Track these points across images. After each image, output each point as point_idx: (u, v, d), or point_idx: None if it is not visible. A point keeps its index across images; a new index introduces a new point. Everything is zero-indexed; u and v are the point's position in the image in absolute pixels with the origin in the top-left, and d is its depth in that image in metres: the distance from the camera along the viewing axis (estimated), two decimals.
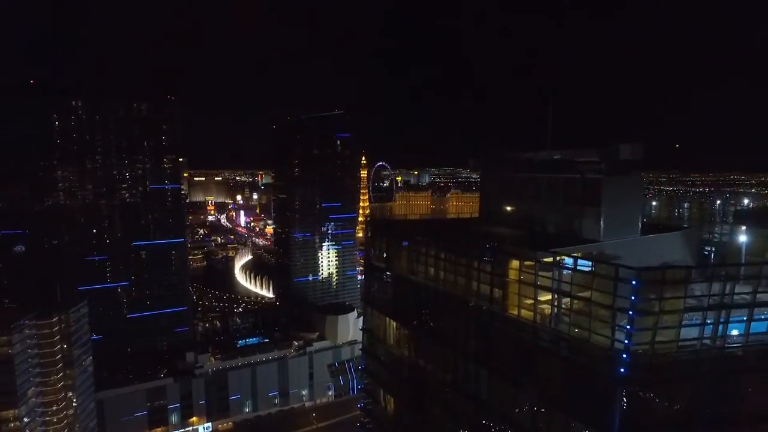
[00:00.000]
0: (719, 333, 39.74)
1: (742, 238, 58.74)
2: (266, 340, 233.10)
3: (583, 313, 41.52)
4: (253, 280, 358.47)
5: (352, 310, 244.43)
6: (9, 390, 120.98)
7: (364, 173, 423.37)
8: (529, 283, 46.17)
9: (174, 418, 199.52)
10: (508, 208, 64.43)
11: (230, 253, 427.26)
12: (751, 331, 40.17)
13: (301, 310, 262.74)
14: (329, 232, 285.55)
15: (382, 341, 71.06)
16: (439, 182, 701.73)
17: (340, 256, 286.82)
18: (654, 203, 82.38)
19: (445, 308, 57.69)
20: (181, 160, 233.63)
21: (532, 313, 46.09)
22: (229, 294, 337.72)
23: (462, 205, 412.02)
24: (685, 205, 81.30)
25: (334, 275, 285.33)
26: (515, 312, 47.87)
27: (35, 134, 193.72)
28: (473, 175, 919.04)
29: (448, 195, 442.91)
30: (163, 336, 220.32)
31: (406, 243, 63.13)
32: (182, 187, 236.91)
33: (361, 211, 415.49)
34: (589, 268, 41.51)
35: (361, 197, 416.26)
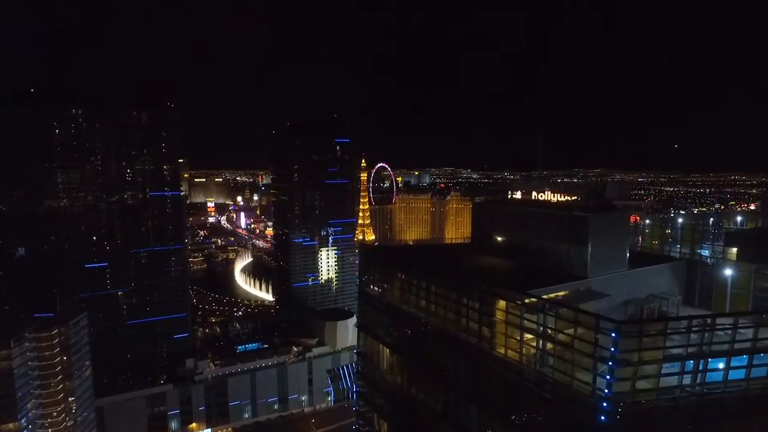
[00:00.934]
0: (698, 380, 40.80)
1: (728, 272, 59.79)
2: (266, 346, 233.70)
3: (566, 359, 42.58)
4: (253, 284, 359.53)
5: (351, 315, 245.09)
6: (9, 402, 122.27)
7: (363, 176, 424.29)
8: (515, 324, 47.22)
9: (174, 425, 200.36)
10: (500, 239, 65.46)
11: (230, 256, 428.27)
12: (729, 378, 41.25)
13: (300, 315, 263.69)
14: (329, 236, 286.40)
15: (376, 366, 72.12)
16: (439, 182, 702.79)
17: (340, 260, 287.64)
18: (647, 221, 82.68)
19: (436, 340, 58.77)
20: (181, 161, 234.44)
21: (517, 354, 47.14)
22: (229, 297, 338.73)
23: (462, 208, 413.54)
24: (679, 221, 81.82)
25: (333, 280, 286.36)
26: (502, 351, 48.92)
27: (35, 142, 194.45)
28: (473, 176, 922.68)
29: (448, 198, 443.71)
30: (163, 342, 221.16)
31: (398, 274, 64.13)
32: (183, 188, 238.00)
33: (361, 214, 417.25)
34: (572, 315, 42.50)
35: (361, 200, 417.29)
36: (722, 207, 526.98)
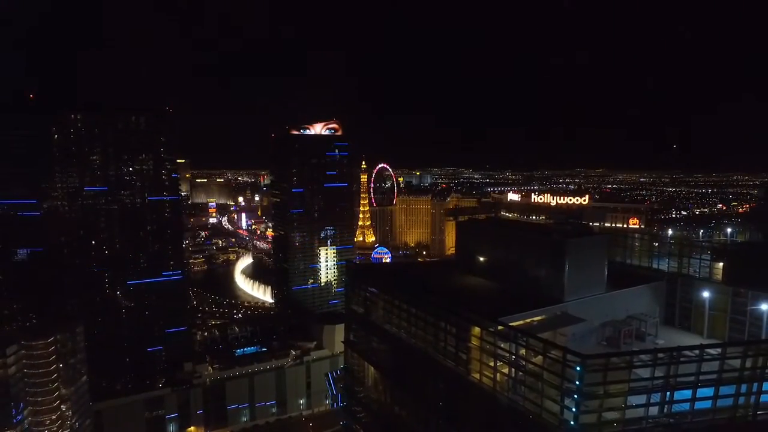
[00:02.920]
0: (665, 411, 41.42)
1: (706, 294, 60.32)
2: (264, 350, 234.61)
3: (535, 388, 43.26)
4: (253, 285, 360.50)
5: None
6: (5, 409, 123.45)
7: (364, 178, 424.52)
8: (488, 351, 47.91)
9: (172, 428, 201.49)
10: (482, 259, 66.11)
11: (231, 257, 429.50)
12: (696, 407, 41.86)
13: (299, 318, 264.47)
14: (328, 238, 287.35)
15: (361, 383, 72.86)
16: (441, 183, 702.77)
17: (339, 263, 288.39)
18: (636, 236, 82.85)
19: (417, 362, 59.42)
20: (182, 161, 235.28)
21: (491, 381, 47.82)
22: (229, 299, 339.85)
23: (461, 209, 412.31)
24: (669, 232, 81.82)
25: (333, 282, 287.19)
26: (477, 377, 49.60)
27: (34, 147, 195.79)
28: (475, 176, 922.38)
29: (448, 199, 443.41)
30: (162, 346, 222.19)
31: (381, 294, 64.81)
32: (184, 189, 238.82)
33: (361, 216, 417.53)
34: (541, 346, 43.12)
35: (362, 201, 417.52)
36: (724, 207, 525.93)
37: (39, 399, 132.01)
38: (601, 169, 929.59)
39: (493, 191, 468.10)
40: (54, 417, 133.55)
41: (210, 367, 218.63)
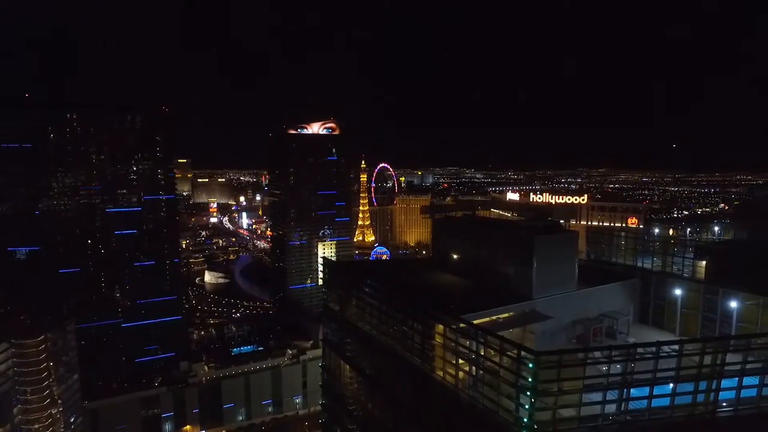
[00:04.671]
0: (622, 408, 41.14)
1: (678, 292, 59.97)
2: (261, 349, 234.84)
3: (493, 386, 43.04)
4: (252, 285, 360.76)
5: None
6: None
7: (363, 177, 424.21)
8: (451, 348, 47.73)
9: (167, 427, 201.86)
10: (456, 257, 65.94)
11: (231, 256, 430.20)
12: (653, 405, 41.57)
13: (296, 317, 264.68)
14: (325, 238, 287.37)
15: (337, 381, 72.79)
16: (442, 182, 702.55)
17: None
18: (623, 235, 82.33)
19: (386, 359, 59.34)
20: (183, 161, 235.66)
21: (453, 379, 47.64)
22: (228, 299, 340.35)
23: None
24: (656, 231, 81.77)
25: None
26: (441, 374, 49.43)
27: (30, 147, 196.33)
28: (477, 175, 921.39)
29: (448, 198, 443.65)
30: (158, 345, 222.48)
31: (354, 292, 64.75)
32: (186, 188, 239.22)
33: (361, 215, 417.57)
34: (498, 344, 42.88)
35: (361, 200, 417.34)
36: (726, 207, 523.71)
37: (29, 397, 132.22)
38: (604, 168, 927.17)
39: (493, 191, 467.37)
40: (45, 415, 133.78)
41: (206, 366, 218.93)
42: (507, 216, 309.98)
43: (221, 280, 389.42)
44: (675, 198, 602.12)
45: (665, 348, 40.96)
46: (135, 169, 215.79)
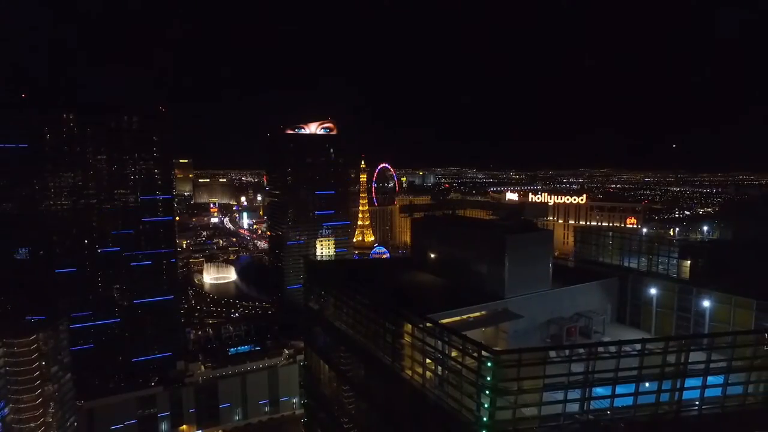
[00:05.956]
0: (583, 408, 40.98)
1: (653, 291, 59.81)
2: (257, 349, 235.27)
3: (456, 386, 42.96)
4: (251, 285, 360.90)
5: None
6: None
7: (363, 177, 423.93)
8: (418, 347, 47.69)
9: (164, 427, 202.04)
10: (433, 256, 65.93)
11: (231, 257, 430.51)
12: (616, 404, 41.40)
13: (294, 317, 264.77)
14: (323, 238, 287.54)
15: (317, 380, 72.83)
16: (443, 182, 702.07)
17: None
18: (610, 235, 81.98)
19: (361, 358, 59.37)
20: (185, 161, 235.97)
21: (420, 378, 47.59)
22: (227, 299, 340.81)
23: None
24: (644, 230, 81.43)
25: None
26: (409, 373, 49.39)
27: (26, 146, 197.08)
28: (479, 176, 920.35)
29: (449, 198, 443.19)
30: (154, 345, 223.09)
31: (332, 290, 64.78)
32: (187, 189, 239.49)
33: (360, 215, 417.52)
34: (460, 343, 42.80)
35: (361, 201, 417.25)
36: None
37: (21, 397, 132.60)
38: (606, 168, 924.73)
39: (493, 191, 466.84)
40: (37, 414, 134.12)
41: (202, 366, 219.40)
42: (483, 215, 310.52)
43: (221, 281, 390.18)
44: (677, 198, 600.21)
45: (626, 347, 40.82)
46: (132, 169, 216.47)
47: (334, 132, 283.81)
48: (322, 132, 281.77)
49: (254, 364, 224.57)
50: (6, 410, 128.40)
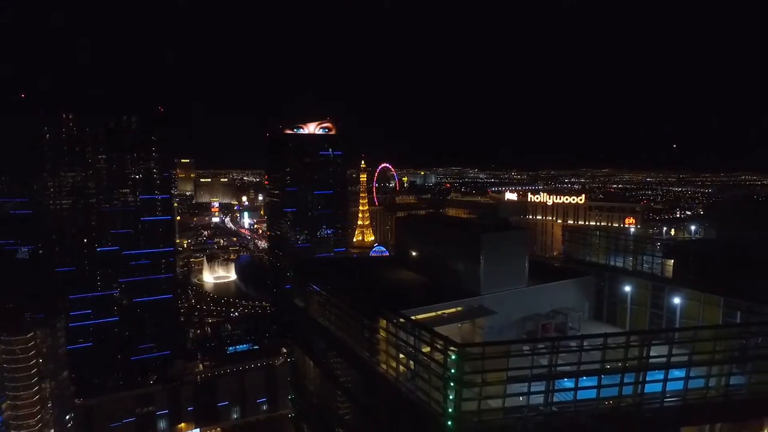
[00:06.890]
0: (547, 400, 42.28)
1: (627, 288, 61.06)
2: (256, 347, 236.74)
3: (425, 379, 44.33)
4: (251, 284, 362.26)
5: None
6: None
7: (363, 177, 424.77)
8: (392, 342, 49.07)
9: (162, 425, 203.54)
10: (414, 254, 67.28)
11: (231, 256, 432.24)
12: (579, 397, 42.69)
13: (292, 316, 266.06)
14: (323, 237, 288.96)
15: (303, 376, 74.19)
16: (445, 182, 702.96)
17: None
18: (597, 233, 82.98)
19: (341, 354, 60.75)
20: (187, 160, 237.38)
21: (394, 372, 48.97)
22: (227, 298, 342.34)
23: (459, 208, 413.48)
24: (631, 230, 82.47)
25: None
26: (384, 368, 50.76)
27: (25, 146, 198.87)
28: (480, 175, 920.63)
29: (448, 197, 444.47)
30: (153, 343, 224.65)
31: (315, 287, 66.12)
32: (188, 189, 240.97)
33: (360, 215, 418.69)
34: (429, 337, 44.13)
35: (361, 200, 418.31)
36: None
37: (19, 394, 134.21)
38: (608, 168, 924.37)
39: (492, 191, 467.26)
40: (34, 411, 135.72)
41: (201, 365, 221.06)
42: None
43: (221, 280, 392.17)
44: (678, 198, 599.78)
45: (589, 342, 42.10)
46: (131, 168, 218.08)
47: (333, 132, 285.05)
48: (320, 132, 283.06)
49: (252, 362, 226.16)
50: (3, 407, 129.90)
